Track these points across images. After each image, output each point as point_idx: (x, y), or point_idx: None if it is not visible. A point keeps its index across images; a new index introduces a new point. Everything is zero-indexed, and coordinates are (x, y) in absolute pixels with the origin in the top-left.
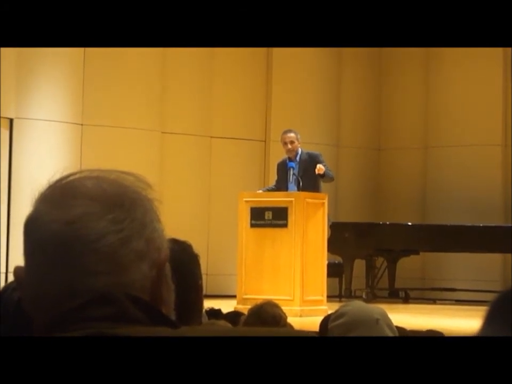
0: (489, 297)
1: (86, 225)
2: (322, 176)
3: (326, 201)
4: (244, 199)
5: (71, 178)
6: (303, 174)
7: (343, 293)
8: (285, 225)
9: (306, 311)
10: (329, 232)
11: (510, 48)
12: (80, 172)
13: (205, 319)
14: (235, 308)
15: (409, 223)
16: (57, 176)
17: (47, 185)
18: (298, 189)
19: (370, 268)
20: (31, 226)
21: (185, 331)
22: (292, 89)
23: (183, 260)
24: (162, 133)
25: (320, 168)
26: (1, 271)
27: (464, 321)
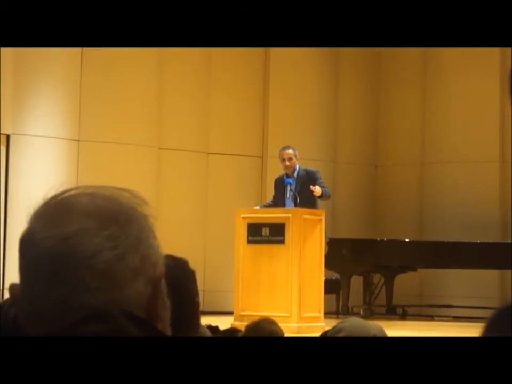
0: (487, 313)
1: (81, 242)
2: (319, 197)
3: (323, 218)
4: (241, 215)
5: (66, 194)
6: (300, 190)
7: (340, 309)
8: (282, 242)
9: (304, 328)
10: (327, 249)
11: (507, 63)
12: (76, 188)
13: (207, 333)
14: (232, 324)
15: (407, 240)
16: (52, 193)
17: (42, 202)
18: (296, 205)
19: (367, 284)
20: (26, 243)
21: None
22: (289, 105)
23: (179, 276)
24: (159, 149)
25: (317, 191)
26: None
27: None
